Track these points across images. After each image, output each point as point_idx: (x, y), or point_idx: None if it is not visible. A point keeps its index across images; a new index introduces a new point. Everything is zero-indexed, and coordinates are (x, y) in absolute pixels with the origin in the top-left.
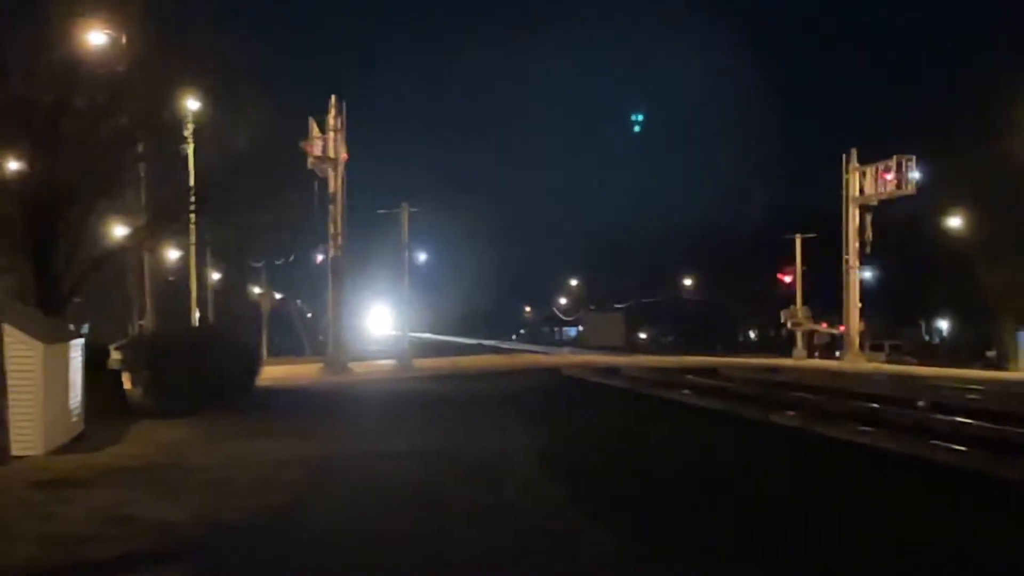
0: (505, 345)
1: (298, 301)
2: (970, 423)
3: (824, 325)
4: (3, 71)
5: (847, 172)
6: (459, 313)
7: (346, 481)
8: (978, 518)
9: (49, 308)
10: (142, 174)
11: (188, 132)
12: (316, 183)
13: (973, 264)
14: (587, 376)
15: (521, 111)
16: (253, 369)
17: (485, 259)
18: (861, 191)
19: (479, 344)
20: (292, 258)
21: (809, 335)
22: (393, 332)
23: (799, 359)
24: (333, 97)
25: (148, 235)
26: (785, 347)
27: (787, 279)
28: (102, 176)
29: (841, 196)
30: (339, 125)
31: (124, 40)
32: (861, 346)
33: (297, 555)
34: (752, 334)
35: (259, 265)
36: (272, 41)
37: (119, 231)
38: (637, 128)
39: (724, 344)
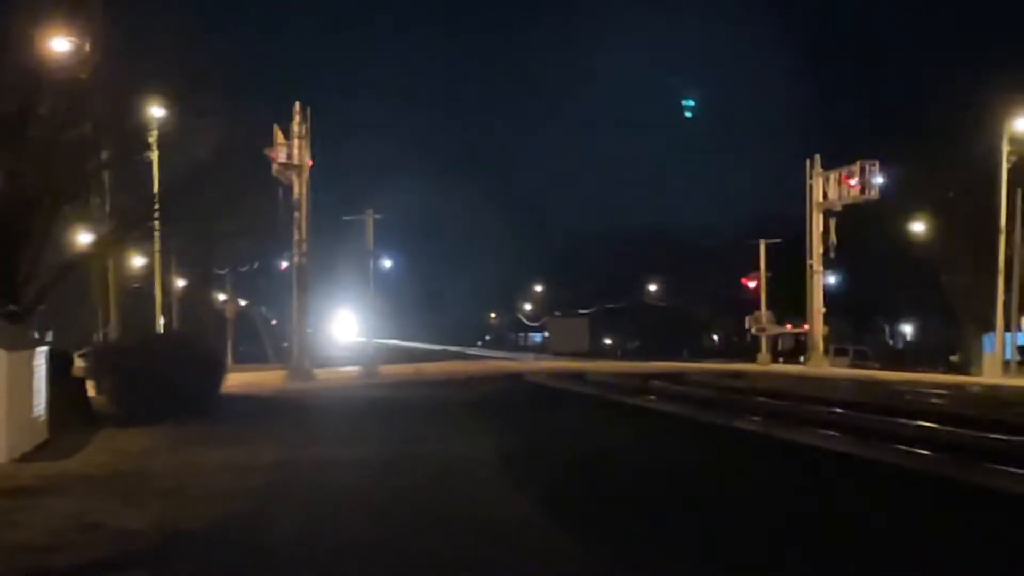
0: (470, 351)
1: (262, 308)
2: (934, 427)
3: (789, 326)
4: None
5: (811, 177)
6: (425, 319)
7: (310, 488)
8: (941, 522)
9: (12, 317)
10: (106, 181)
11: (152, 139)
12: (281, 190)
13: (937, 269)
14: (551, 382)
15: (487, 118)
16: (218, 376)
17: (450, 265)
18: (825, 196)
19: (444, 350)
20: (257, 265)
21: (774, 340)
22: (358, 339)
23: (764, 364)
24: (297, 104)
25: (112, 242)
26: (750, 352)
27: (751, 284)
28: (66, 184)
29: (805, 201)
30: (304, 131)
31: (88, 47)
32: (825, 351)
33: (260, 563)
34: (717, 339)
35: (224, 272)
36: (236, 47)
37: (84, 238)
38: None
39: (690, 349)
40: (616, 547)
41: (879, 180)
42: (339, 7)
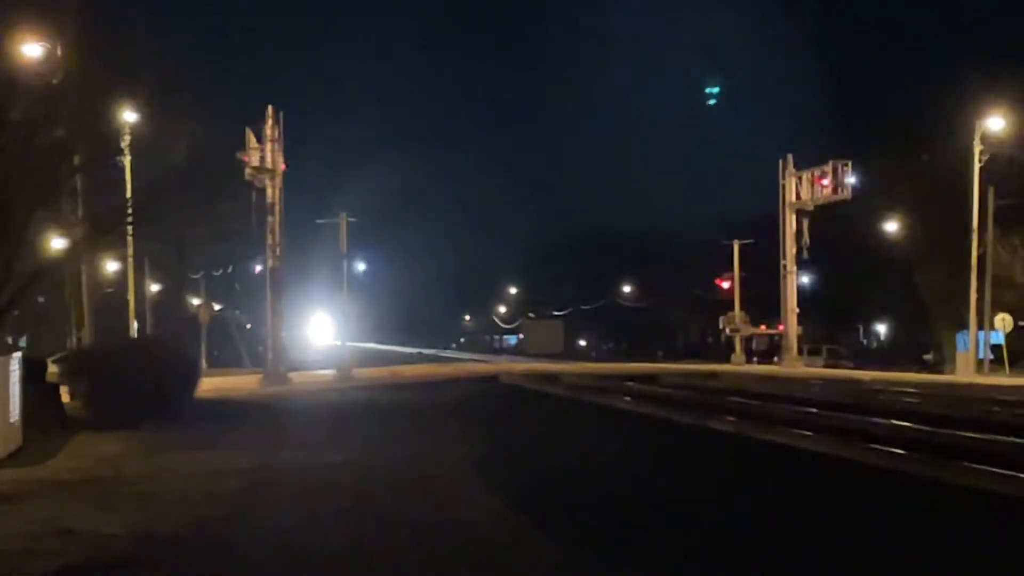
0: (445, 354)
1: (237, 312)
2: (906, 426)
3: (763, 327)
4: None
5: (783, 177)
6: (399, 322)
7: (284, 492)
8: (912, 521)
9: None
10: (79, 186)
11: (125, 144)
12: (254, 194)
13: (910, 268)
14: (526, 384)
15: (459, 120)
16: (192, 381)
17: (425, 268)
18: (798, 196)
19: (419, 353)
20: (231, 269)
21: (748, 341)
22: (333, 342)
23: (738, 364)
24: (270, 107)
25: (85, 247)
26: (724, 353)
27: (725, 285)
28: (38, 188)
29: (778, 201)
30: (276, 135)
31: (59, 51)
32: (799, 350)
33: (234, 567)
34: (692, 340)
35: (197, 276)
36: (208, 52)
37: (56, 243)
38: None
39: (664, 350)
40: (588, 547)
41: (851, 180)
42: (311, 12)
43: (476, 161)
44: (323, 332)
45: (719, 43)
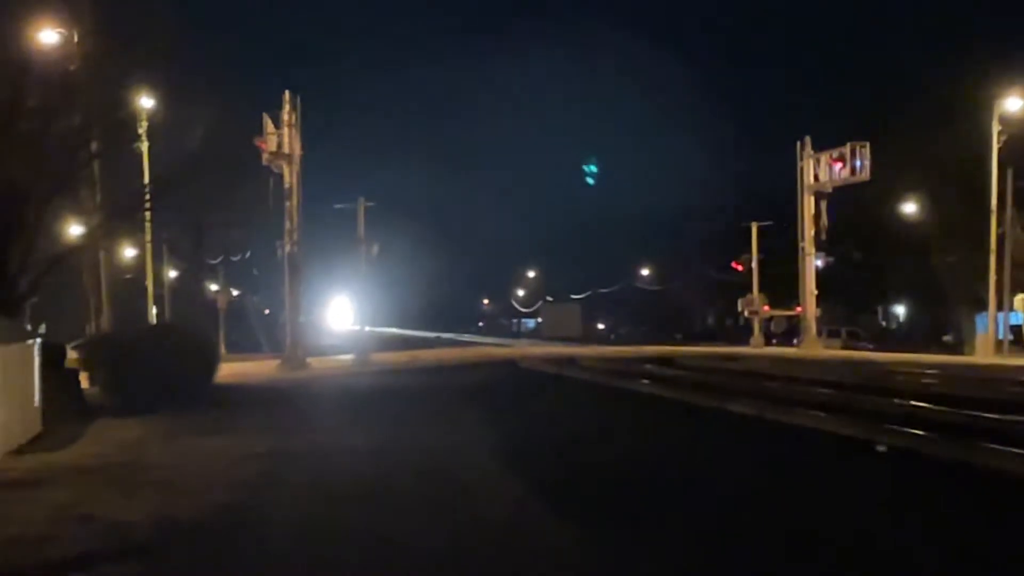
0: (463, 338)
1: (255, 298)
2: (925, 407)
3: (782, 310)
4: None
5: (801, 159)
6: (418, 307)
7: (304, 478)
8: (931, 499)
9: (5, 309)
10: (97, 172)
11: (142, 130)
12: (271, 179)
13: (929, 249)
14: (544, 368)
15: (479, 103)
16: (210, 366)
17: (443, 252)
18: (816, 178)
19: (438, 337)
20: (248, 254)
21: (766, 323)
22: (352, 327)
23: (757, 347)
24: (287, 92)
25: (103, 234)
26: (743, 335)
27: (740, 268)
28: (56, 176)
29: (796, 183)
30: (293, 120)
31: (76, 38)
32: (818, 333)
33: (254, 552)
34: (710, 322)
35: (215, 262)
36: (226, 37)
37: (75, 230)
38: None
39: (683, 333)
40: (606, 530)
41: (869, 162)
42: None
43: (495, 142)
44: (342, 317)
45: (732, 21)
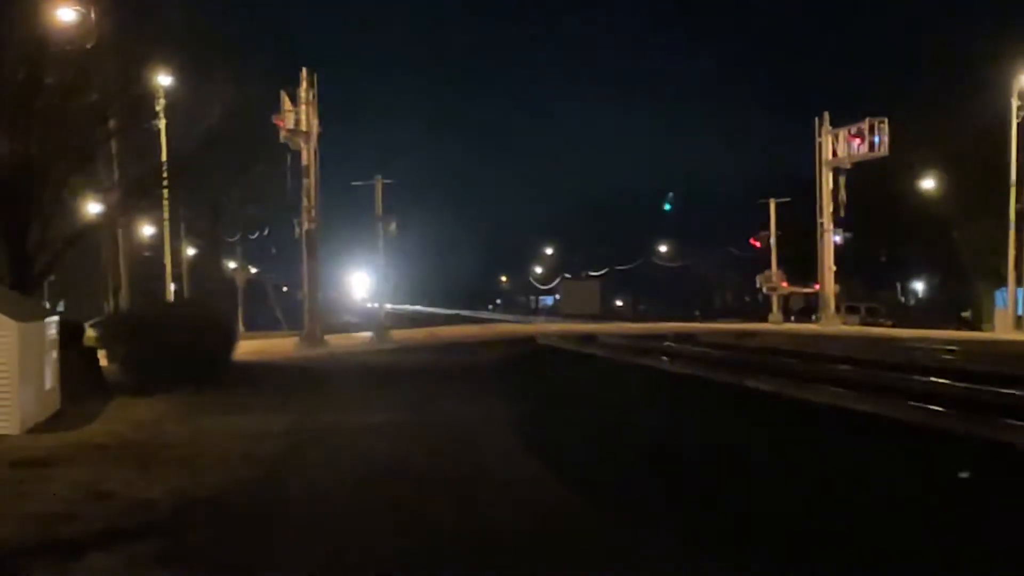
0: (482, 315)
1: (273, 275)
2: (945, 383)
3: (800, 286)
4: None
5: (820, 135)
6: (436, 284)
7: (322, 454)
8: (952, 479)
9: (23, 286)
10: (114, 150)
11: (159, 107)
12: (289, 156)
13: (948, 225)
14: (563, 345)
15: (498, 81)
16: (229, 344)
17: (462, 230)
18: (834, 154)
19: (456, 314)
20: (266, 232)
21: (785, 300)
22: (370, 304)
23: (776, 323)
24: (304, 69)
25: (121, 212)
26: (761, 312)
27: (758, 244)
28: (74, 153)
29: (814, 159)
30: (311, 98)
31: (93, 16)
32: (837, 309)
33: (273, 529)
34: (729, 299)
35: (233, 239)
36: (243, 13)
37: (92, 208)
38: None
39: (701, 310)
40: (621, 507)
41: (887, 137)
42: None
43: (512, 120)
44: (360, 294)
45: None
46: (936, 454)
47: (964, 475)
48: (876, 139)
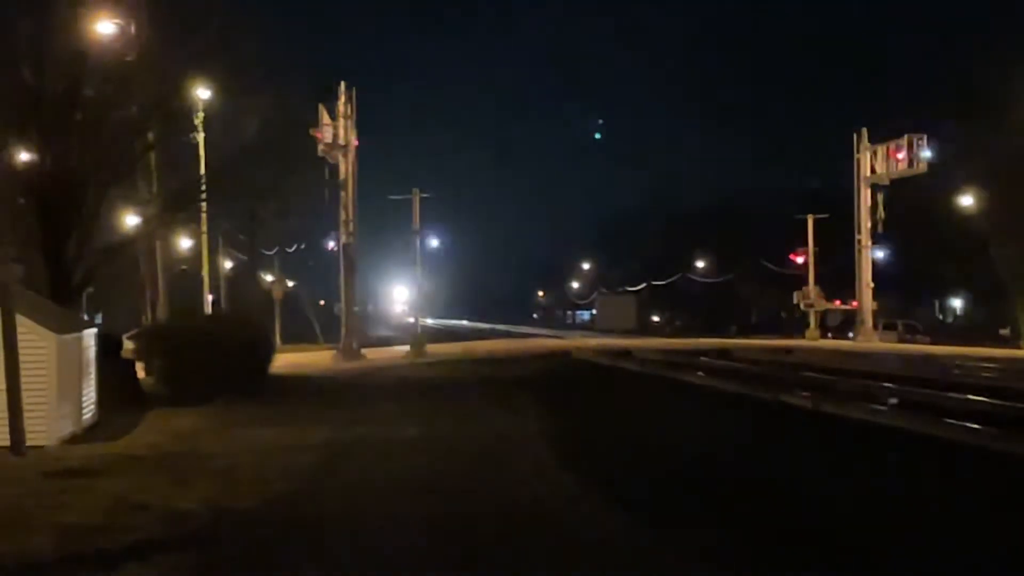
0: (518, 329)
1: (309, 288)
2: (983, 401)
3: (838, 302)
4: (12, 61)
5: (858, 152)
6: (473, 298)
7: (359, 468)
8: (986, 496)
9: (61, 298)
10: (153, 163)
11: (198, 121)
12: (327, 170)
13: (986, 242)
14: (598, 360)
15: (533, 95)
16: (266, 357)
17: (499, 244)
18: (872, 170)
19: (492, 329)
20: (304, 245)
21: (822, 315)
22: (407, 318)
23: (812, 339)
24: (343, 84)
25: (159, 224)
26: (798, 328)
27: (799, 260)
28: (113, 165)
29: (853, 176)
30: (349, 111)
31: (133, 29)
32: (874, 325)
33: (309, 543)
34: (765, 315)
35: (271, 253)
36: (282, 28)
37: (131, 220)
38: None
39: (738, 326)
40: (656, 526)
41: (927, 154)
42: None
43: (551, 134)
44: (397, 308)
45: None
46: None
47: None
48: (915, 155)
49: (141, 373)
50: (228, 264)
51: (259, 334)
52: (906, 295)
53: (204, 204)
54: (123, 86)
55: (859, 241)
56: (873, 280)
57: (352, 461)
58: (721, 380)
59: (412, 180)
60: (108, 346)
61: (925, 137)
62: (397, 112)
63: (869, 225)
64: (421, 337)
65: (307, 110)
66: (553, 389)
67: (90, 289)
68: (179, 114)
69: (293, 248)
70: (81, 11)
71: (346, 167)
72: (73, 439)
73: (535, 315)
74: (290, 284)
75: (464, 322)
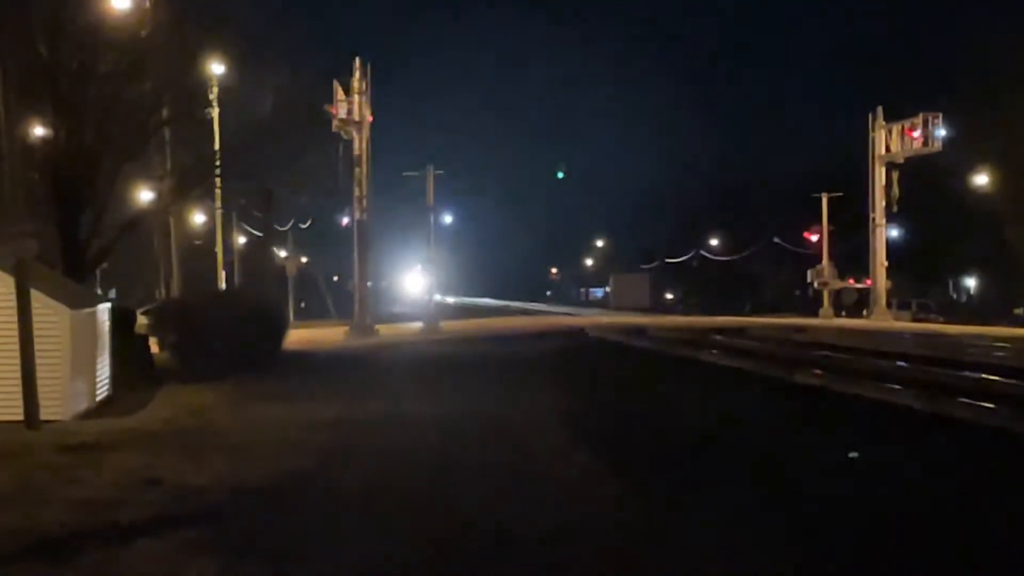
0: (532, 307)
1: (323, 264)
2: (996, 380)
3: (851, 281)
4: (27, 36)
5: (873, 130)
6: (487, 275)
7: (371, 445)
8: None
9: (76, 274)
10: (167, 139)
11: (212, 96)
12: (341, 146)
13: (1001, 221)
14: (613, 337)
15: (548, 74)
16: (279, 332)
17: (513, 221)
18: (887, 149)
19: (506, 306)
20: (315, 221)
21: (836, 294)
22: (420, 295)
23: (826, 318)
24: (357, 59)
25: (174, 200)
26: (812, 307)
27: (813, 238)
28: (127, 141)
29: (867, 154)
30: (363, 87)
31: (147, 4)
32: (888, 304)
33: (322, 518)
34: (779, 293)
35: (285, 228)
36: (296, 3)
37: (145, 196)
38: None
39: (751, 304)
40: (672, 507)
41: (942, 133)
42: None
43: (563, 114)
44: (410, 285)
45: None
46: None
47: None
48: (929, 134)
49: (155, 348)
50: (242, 240)
51: (273, 310)
52: (920, 274)
53: (218, 180)
54: (138, 62)
55: (873, 220)
56: (888, 259)
57: (365, 438)
58: (732, 358)
59: (430, 156)
60: (122, 321)
61: (940, 116)
62: (416, 87)
63: (883, 204)
64: (435, 313)
65: (322, 84)
66: (566, 366)
67: (104, 265)
68: (194, 90)
69: (307, 224)
70: None
71: (360, 143)
72: (87, 414)
73: (548, 292)
74: (304, 260)
75: (479, 299)
